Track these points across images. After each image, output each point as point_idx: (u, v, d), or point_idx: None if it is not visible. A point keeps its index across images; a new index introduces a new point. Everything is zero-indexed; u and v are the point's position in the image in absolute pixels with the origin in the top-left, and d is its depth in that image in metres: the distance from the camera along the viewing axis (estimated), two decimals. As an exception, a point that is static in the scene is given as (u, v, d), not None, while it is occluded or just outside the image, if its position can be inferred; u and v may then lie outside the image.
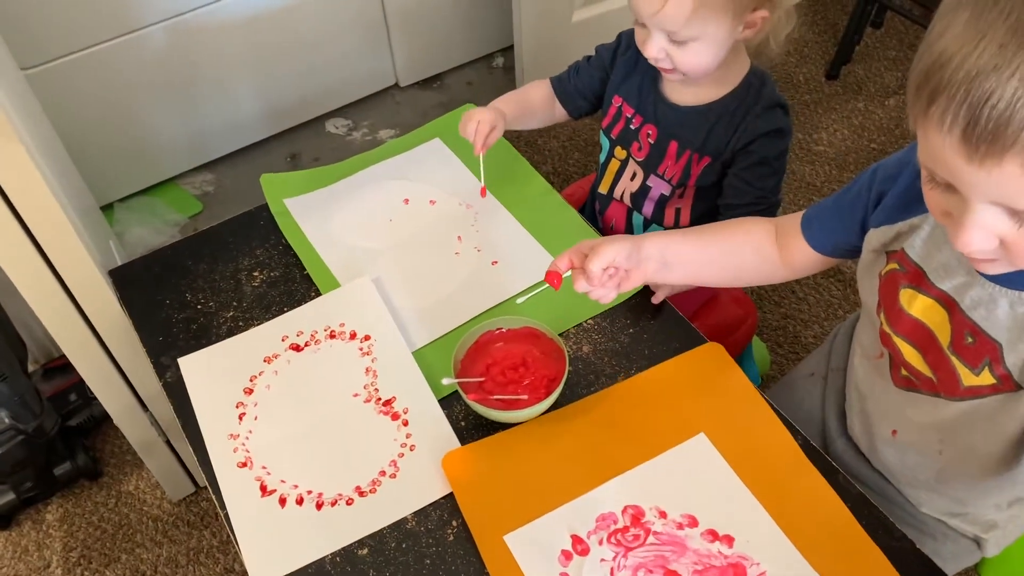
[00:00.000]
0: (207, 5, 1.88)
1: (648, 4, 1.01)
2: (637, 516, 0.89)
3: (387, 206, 1.24)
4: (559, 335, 1.02)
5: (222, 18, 1.92)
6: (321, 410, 1.01)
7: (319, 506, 0.93)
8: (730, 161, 1.16)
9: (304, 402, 1.02)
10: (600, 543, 0.87)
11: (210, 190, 2.14)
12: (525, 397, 0.97)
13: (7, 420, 1.43)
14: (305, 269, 1.16)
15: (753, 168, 1.14)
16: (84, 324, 1.23)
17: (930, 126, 0.60)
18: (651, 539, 0.87)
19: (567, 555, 0.86)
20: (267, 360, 1.06)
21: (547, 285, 1.03)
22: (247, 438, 0.99)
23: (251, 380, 1.04)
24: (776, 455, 0.93)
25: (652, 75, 1.19)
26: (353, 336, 1.07)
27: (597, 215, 1.35)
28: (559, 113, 1.32)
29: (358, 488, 0.94)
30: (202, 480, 1.59)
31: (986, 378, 0.76)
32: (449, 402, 1.00)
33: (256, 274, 1.17)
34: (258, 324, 1.10)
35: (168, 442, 1.50)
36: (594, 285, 0.92)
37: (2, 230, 1.07)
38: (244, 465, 0.96)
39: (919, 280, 0.80)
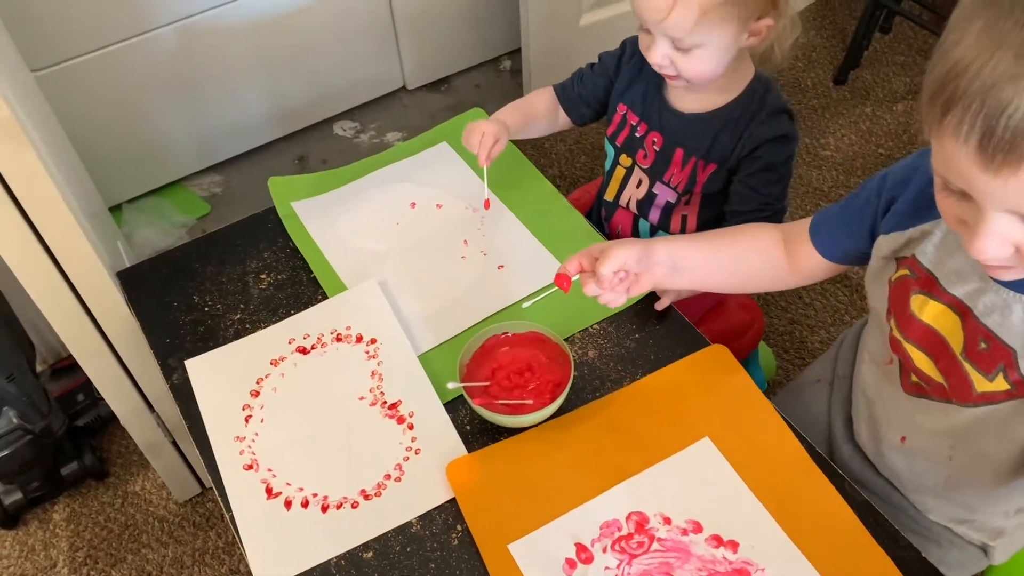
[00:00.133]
0: (216, 7, 1.89)
1: (654, 11, 1.01)
2: (641, 522, 0.89)
3: (394, 210, 1.24)
4: (565, 340, 1.02)
5: (231, 20, 1.93)
6: (327, 413, 1.01)
7: (324, 509, 0.93)
8: (736, 168, 1.16)
9: (310, 405, 1.02)
10: (604, 551, 0.87)
11: (218, 192, 2.14)
12: (530, 402, 0.97)
13: (15, 420, 1.44)
14: (312, 272, 1.16)
15: (759, 174, 1.14)
16: (92, 325, 1.24)
17: (945, 135, 0.60)
18: (655, 546, 0.87)
19: (571, 563, 0.86)
20: (274, 363, 1.06)
21: (554, 289, 1.03)
22: (253, 440, 0.99)
23: (258, 383, 1.04)
24: (782, 460, 0.93)
25: (657, 82, 1.19)
26: (359, 339, 1.07)
27: (603, 221, 1.35)
28: (563, 121, 1.32)
29: (363, 491, 0.94)
30: (208, 481, 1.60)
31: (1000, 384, 0.76)
32: (454, 406, 1.01)
33: (263, 277, 1.17)
34: (265, 327, 1.10)
35: (174, 443, 1.50)
36: (604, 289, 0.92)
37: (11, 231, 1.07)
38: (250, 467, 0.97)
39: (931, 286, 0.80)
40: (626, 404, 0.99)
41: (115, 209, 2.05)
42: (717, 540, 0.87)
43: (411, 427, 0.99)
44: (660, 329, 1.07)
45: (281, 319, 1.11)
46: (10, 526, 1.60)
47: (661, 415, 0.98)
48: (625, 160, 1.26)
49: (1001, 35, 0.55)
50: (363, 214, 1.24)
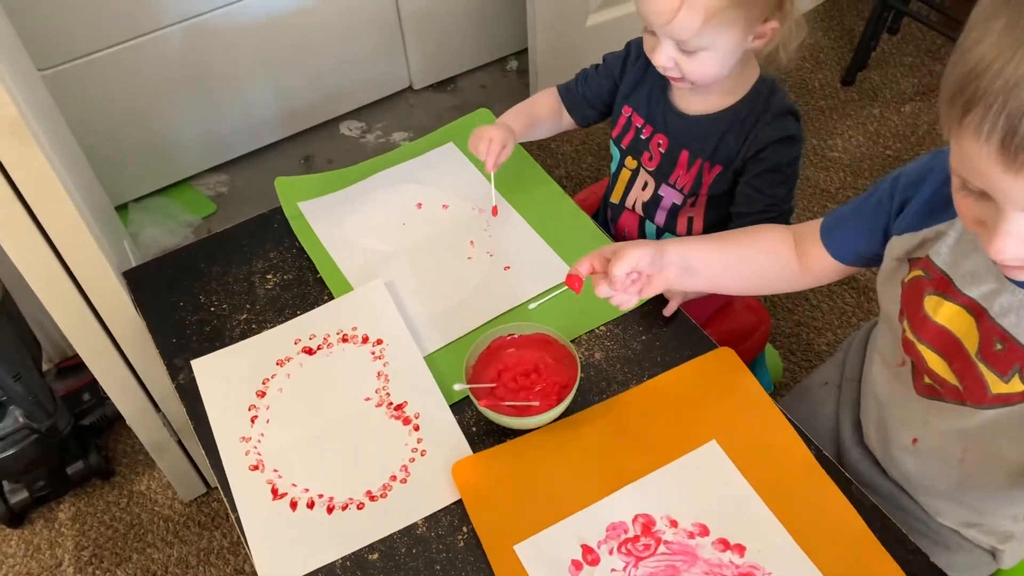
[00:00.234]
0: (223, 7, 1.89)
1: (659, 14, 1.00)
2: (648, 525, 0.88)
3: (400, 210, 1.24)
4: (571, 341, 1.02)
5: (237, 20, 1.93)
6: (333, 414, 1.01)
7: (330, 510, 0.93)
8: (741, 169, 1.16)
9: (316, 406, 1.02)
10: (611, 553, 0.86)
11: (224, 191, 2.14)
12: (536, 404, 0.97)
13: (21, 419, 1.44)
14: (318, 272, 1.16)
15: (764, 176, 1.13)
16: (98, 325, 1.24)
17: (965, 135, 0.59)
18: (662, 548, 0.87)
19: (577, 565, 0.86)
20: (280, 363, 1.06)
21: (562, 290, 1.03)
22: (259, 441, 0.99)
23: (263, 383, 1.04)
24: (789, 463, 0.92)
25: (661, 84, 1.19)
26: (365, 340, 1.07)
27: (609, 223, 1.35)
28: (567, 122, 1.32)
29: (369, 493, 0.94)
30: (213, 481, 1.60)
31: (1016, 385, 0.76)
32: (460, 408, 1.00)
33: (269, 277, 1.17)
34: (271, 327, 1.10)
35: (180, 443, 1.50)
36: (616, 290, 0.92)
37: (18, 230, 1.08)
38: (256, 468, 0.97)
39: (945, 287, 0.79)
40: (633, 406, 0.99)
41: (121, 208, 2.05)
42: (724, 544, 0.86)
43: (417, 428, 0.99)
44: (667, 331, 1.07)
45: (287, 319, 1.11)
46: (16, 525, 1.60)
47: (668, 417, 0.97)
48: (631, 162, 1.26)
49: (1023, 34, 0.55)
50: (369, 214, 1.24)
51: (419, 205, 1.24)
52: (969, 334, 0.78)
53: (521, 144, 1.29)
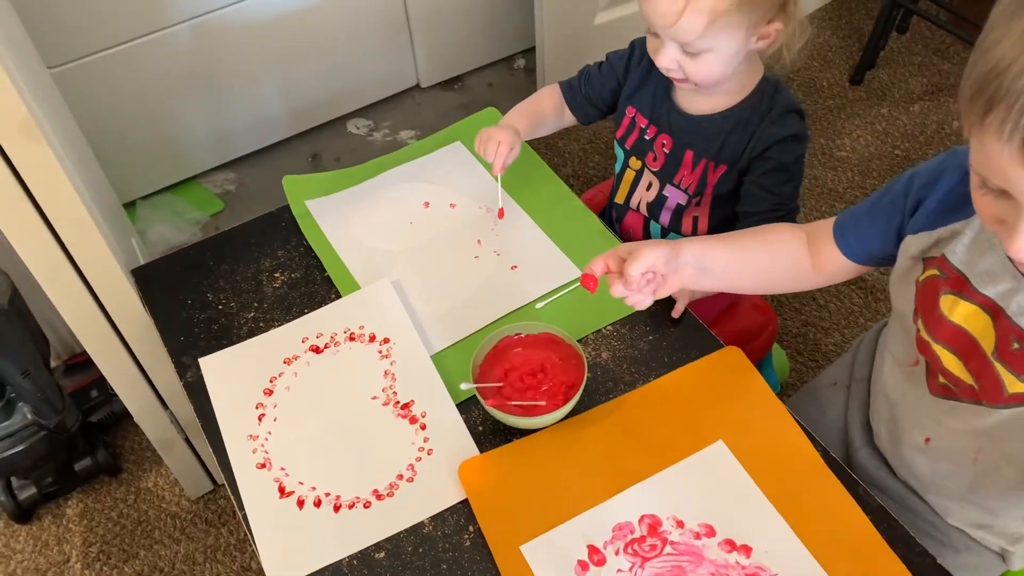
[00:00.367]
0: (230, 5, 1.89)
1: (662, 16, 1.00)
2: (654, 525, 0.88)
3: (407, 209, 1.24)
4: (578, 341, 1.02)
5: (245, 18, 1.93)
6: (340, 412, 1.01)
7: (336, 508, 0.93)
8: (747, 169, 1.15)
9: (323, 404, 1.02)
10: (617, 553, 0.86)
11: (232, 189, 2.15)
12: (543, 403, 0.97)
13: (29, 416, 1.45)
14: (326, 271, 1.16)
15: (770, 174, 1.13)
16: (106, 322, 1.24)
17: (987, 134, 0.59)
18: (668, 549, 0.87)
19: (583, 565, 0.86)
20: (287, 361, 1.06)
21: (568, 290, 1.03)
22: (266, 439, 0.99)
23: (271, 381, 1.04)
24: (796, 464, 0.92)
25: (665, 84, 1.18)
26: (372, 339, 1.07)
27: (614, 223, 1.35)
28: (568, 119, 1.32)
29: (375, 491, 0.94)
30: (220, 478, 1.60)
31: None
32: (467, 407, 1.00)
33: (277, 275, 1.17)
34: (278, 325, 1.11)
35: (187, 440, 1.51)
36: (631, 290, 0.91)
37: (27, 228, 1.08)
38: (263, 466, 0.97)
39: (961, 286, 0.79)
40: (639, 406, 0.99)
41: (129, 206, 2.06)
42: (730, 544, 0.86)
43: (423, 427, 0.99)
44: (674, 331, 1.06)
45: (295, 318, 1.11)
46: (24, 521, 1.61)
47: (675, 417, 0.97)
48: (635, 163, 1.26)
49: None
50: (377, 213, 1.24)
51: (426, 204, 1.25)
52: (985, 333, 0.78)
53: (528, 142, 1.29)
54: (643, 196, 1.27)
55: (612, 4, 2.13)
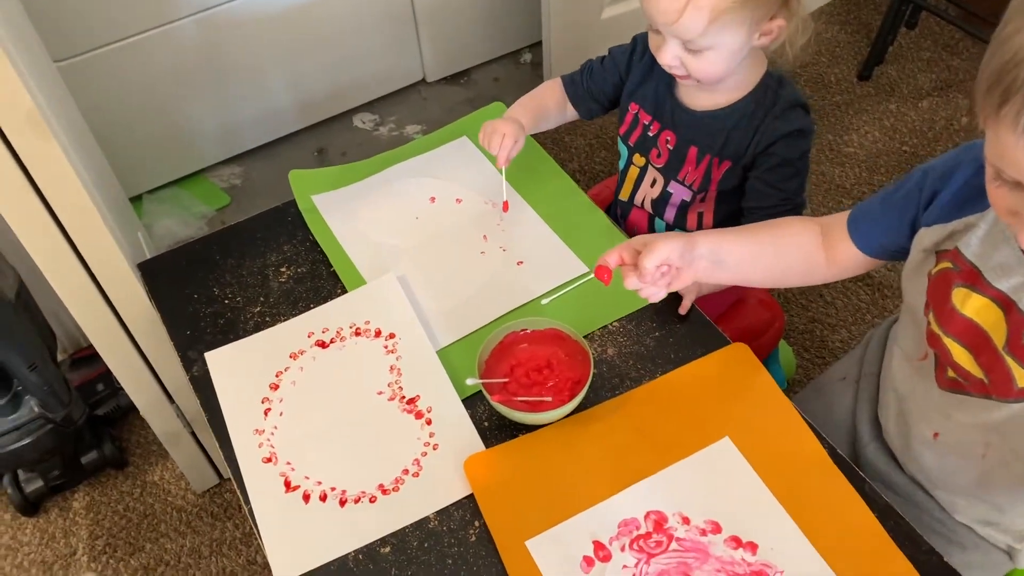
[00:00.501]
0: (237, -1, 1.90)
1: (664, 13, 1.00)
2: (660, 522, 0.88)
3: (413, 204, 1.24)
4: (584, 337, 1.02)
5: (252, 12, 1.93)
6: (345, 407, 1.01)
7: (342, 503, 0.93)
8: (751, 164, 1.15)
9: (329, 399, 1.02)
10: (622, 549, 0.86)
11: (238, 183, 2.15)
12: (549, 399, 0.97)
13: (36, 409, 1.45)
14: (331, 266, 1.16)
15: (775, 170, 1.13)
16: (112, 316, 1.24)
17: (1002, 126, 0.59)
18: (674, 545, 0.86)
19: (589, 561, 0.86)
20: (293, 356, 1.06)
21: (575, 286, 1.03)
22: (272, 433, 0.99)
23: (277, 376, 1.04)
24: (803, 461, 0.92)
25: (668, 80, 1.18)
26: (378, 334, 1.07)
27: (619, 220, 1.35)
28: (571, 113, 1.31)
29: (381, 486, 0.94)
30: (226, 472, 1.61)
31: None
32: (473, 402, 1.00)
33: (283, 270, 1.17)
34: (285, 320, 1.11)
35: (193, 434, 1.51)
36: (646, 282, 0.91)
37: (33, 221, 1.08)
38: (269, 460, 0.97)
39: (974, 279, 0.79)
40: (646, 402, 0.99)
41: (135, 200, 2.06)
42: (736, 541, 0.86)
43: (429, 422, 0.99)
44: (680, 327, 1.06)
45: (300, 312, 1.11)
46: (31, 513, 1.61)
47: (681, 414, 0.97)
48: (639, 159, 1.26)
49: None
50: (383, 208, 1.24)
51: (432, 199, 1.24)
52: (997, 327, 0.78)
53: (533, 137, 1.29)
54: (647, 193, 1.26)
55: (619, -1, 2.12)
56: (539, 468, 0.94)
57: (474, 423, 0.98)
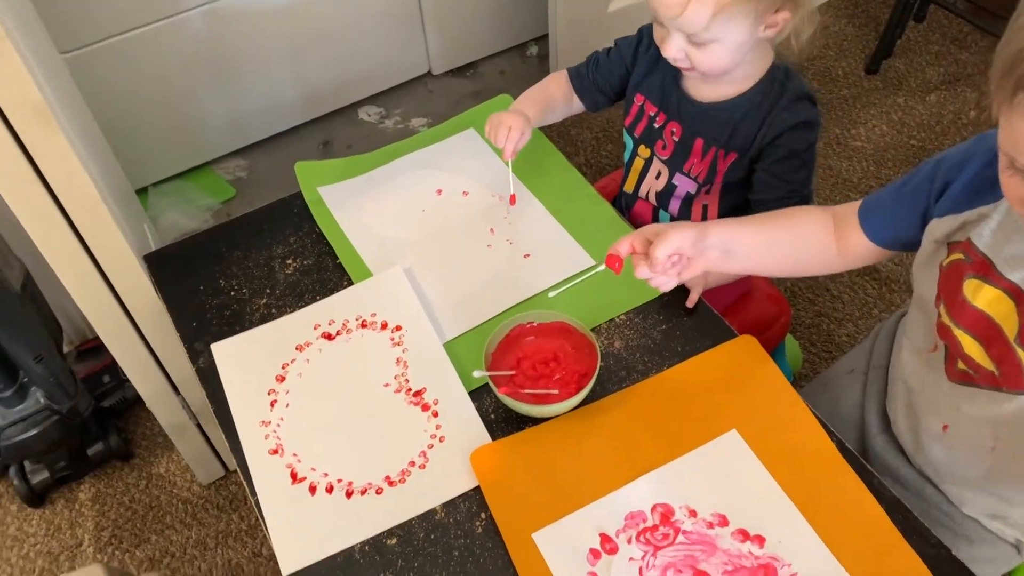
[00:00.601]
0: (243, -9, 1.89)
1: (668, 6, 0.99)
2: (667, 515, 0.88)
3: (420, 196, 1.24)
4: (591, 330, 1.01)
5: (258, 4, 1.92)
6: (352, 399, 1.01)
7: (349, 495, 0.93)
8: (758, 156, 1.14)
9: (335, 391, 1.02)
10: (629, 542, 0.86)
11: (243, 175, 2.15)
12: (556, 392, 0.96)
13: (42, 400, 1.45)
14: (338, 258, 1.16)
15: (782, 162, 1.12)
16: (119, 307, 1.24)
17: (1016, 113, 0.59)
18: (681, 538, 0.86)
19: (595, 554, 0.86)
20: (299, 348, 1.06)
21: (582, 279, 1.02)
22: (278, 425, 0.99)
23: (283, 368, 1.04)
24: (810, 454, 0.92)
25: (674, 72, 1.17)
26: (384, 326, 1.07)
27: (624, 212, 1.34)
28: (577, 106, 1.31)
29: (387, 478, 0.94)
30: (231, 464, 1.61)
31: None
32: (479, 395, 1.00)
33: (289, 262, 1.17)
34: (291, 312, 1.11)
35: (199, 426, 1.51)
36: (656, 272, 0.91)
37: (40, 213, 1.08)
38: (275, 452, 0.97)
39: (986, 271, 0.78)
40: (653, 395, 0.98)
41: (141, 192, 2.06)
42: (743, 534, 0.86)
43: (436, 415, 0.98)
44: (687, 320, 1.06)
45: (307, 304, 1.11)
46: (37, 505, 1.62)
47: (688, 406, 0.97)
48: (644, 151, 1.25)
49: None
50: (389, 200, 1.23)
51: (439, 192, 1.24)
52: (1009, 319, 0.77)
53: (540, 130, 1.28)
54: (652, 185, 1.26)
55: (626, -9, 2.11)
56: (545, 461, 0.93)
57: (481, 416, 0.98)
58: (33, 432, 1.46)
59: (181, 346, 1.09)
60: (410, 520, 0.91)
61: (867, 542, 0.85)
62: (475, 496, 0.92)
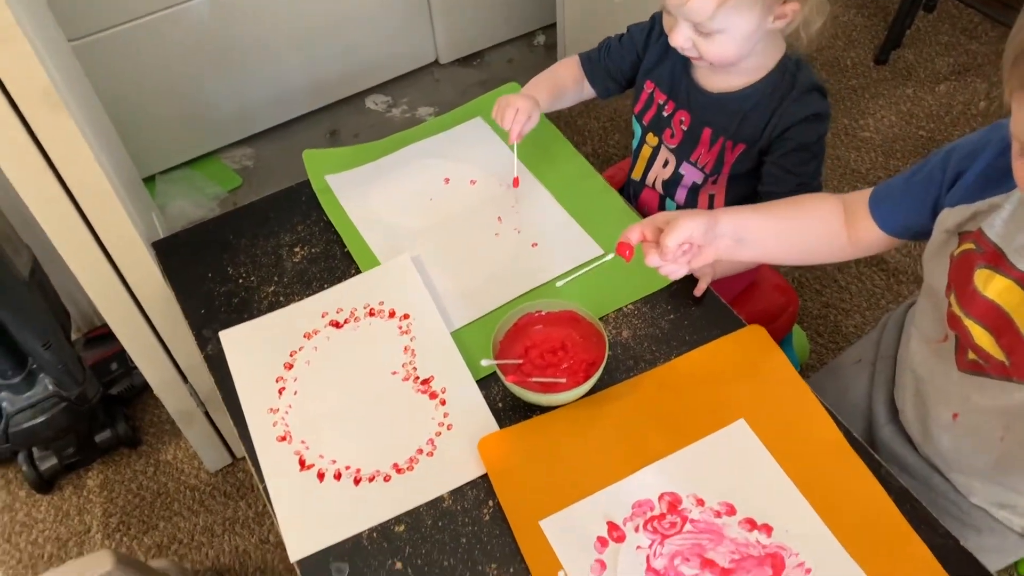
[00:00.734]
0: (251, -21, 1.89)
1: None
2: (674, 503, 0.88)
3: (428, 185, 1.23)
4: (599, 319, 1.01)
5: (265, -8, 1.92)
6: (360, 387, 1.01)
7: (357, 482, 0.93)
8: (767, 148, 1.14)
9: (343, 379, 1.02)
10: (636, 530, 0.86)
11: (250, 164, 2.15)
12: (563, 380, 0.96)
13: (51, 387, 1.46)
14: (346, 246, 1.16)
15: (792, 154, 1.12)
16: (127, 294, 1.25)
17: None
18: (688, 527, 0.86)
19: (603, 542, 0.86)
20: (307, 336, 1.06)
21: (590, 267, 1.02)
22: (287, 412, 0.99)
23: (291, 355, 1.05)
24: (818, 443, 0.92)
25: (684, 60, 1.17)
26: (392, 314, 1.07)
27: (631, 200, 1.34)
28: (588, 92, 1.30)
29: (395, 465, 0.94)
30: (239, 452, 1.62)
31: None
32: (487, 383, 1.00)
33: (297, 250, 1.17)
34: (299, 300, 1.11)
35: (206, 413, 1.52)
36: (667, 260, 0.91)
37: (49, 200, 1.08)
38: (283, 439, 0.97)
39: (997, 261, 0.78)
40: (660, 384, 0.98)
41: (148, 180, 2.06)
42: (751, 523, 0.86)
43: (443, 403, 0.99)
44: (695, 310, 1.06)
45: (315, 292, 1.11)
46: (45, 491, 1.63)
47: (696, 396, 0.97)
48: (652, 139, 1.25)
49: None
50: (397, 189, 1.23)
51: (447, 180, 1.24)
52: (1020, 309, 0.77)
53: (548, 119, 1.28)
54: (659, 173, 1.26)
55: (634, -20, 2.10)
56: (553, 449, 0.94)
57: (488, 404, 0.98)
58: (41, 419, 1.47)
59: (189, 333, 1.09)
60: (418, 507, 0.91)
61: (875, 532, 0.85)
62: (482, 484, 0.92)
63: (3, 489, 1.64)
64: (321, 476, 0.94)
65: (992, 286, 0.79)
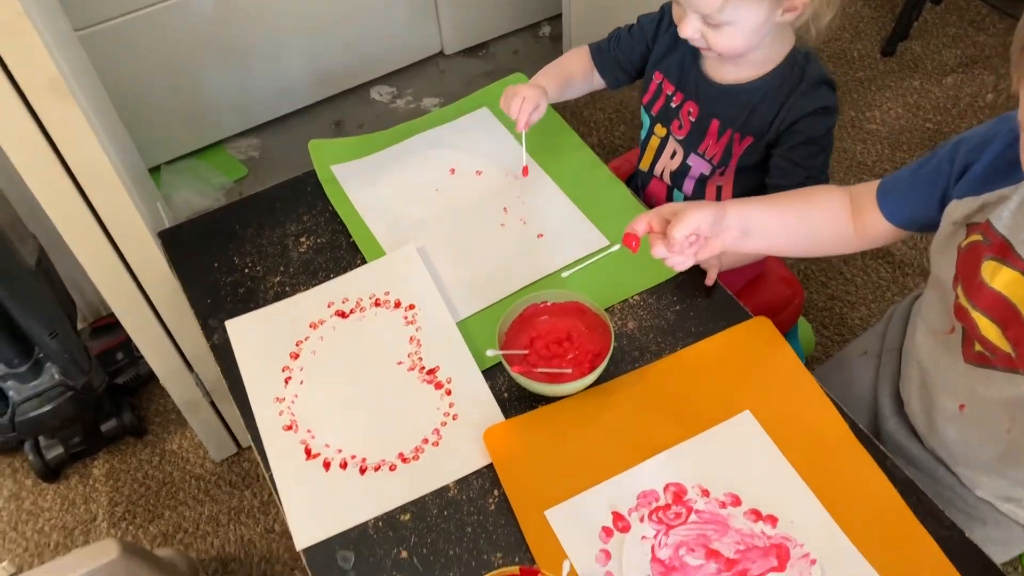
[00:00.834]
0: (256, -31, 1.88)
1: None
2: (679, 494, 0.88)
3: (434, 175, 1.23)
4: (605, 310, 1.01)
5: (271, -18, 1.92)
6: (366, 377, 1.01)
7: (362, 471, 0.93)
8: (775, 141, 1.14)
9: (349, 368, 1.02)
10: (641, 520, 0.86)
11: (255, 155, 2.15)
12: (569, 371, 0.97)
13: (57, 376, 1.46)
14: (351, 236, 1.16)
15: (800, 147, 1.12)
16: (133, 284, 1.25)
17: None
18: (693, 517, 0.86)
19: (608, 532, 0.86)
20: (313, 326, 1.06)
21: (596, 258, 1.02)
22: (293, 402, 1.00)
23: (297, 345, 1.05)
24: (824, 435, 0.92)
25: (693, 51, 1.17)
26: (398, 305, 1.07)
27: (638, 191, 1.34)
28: (597, 82, 1.30)
29: (401, 455, 0.94)
30: (244, 441, 1.62)
31: None
32: (492, 373, 1.00)
33: (303, 240, 1.17)
34: (304, 290, 1.11)
35: (212, 403, 1.52)
36: (674, 252, 0.90)
37: (57, 189, 1.08)
38: (289, 428, 0.97)
39: (1005, 252, 0.78)
40: (666, 375, 0.98)
41: (154, 170, 2.07)
42: (756, 514, 0.86)
43: (449, 393, 0.99)
44: (701, 301, 1.06)
45: (320, 282, 1.11)
46: (51, 480, 1.63)
47: (702, 387, 0.97)
48: (660, 130, 1.25)
49: None
50: (403, 179, 1.23)
51: (452, 171, 1.24)
52: None
53: (554, 110, 1.28)
54: (667, 164, 1.25)
55: (640, -29, 2.09)
56: (558, 439, 0.94)
57: (494, 394, 0.98)
58: (48, 408, 1.47)
59: (195, 323, 1.10)
60: (423, 496, 0.91)
61: (880, 523, 0.85)
62: (488, 473, 0.92)
63: (9, 478, 1.65)
64: (327, 465, 0.94)
65: (999, 278, 0.79)
